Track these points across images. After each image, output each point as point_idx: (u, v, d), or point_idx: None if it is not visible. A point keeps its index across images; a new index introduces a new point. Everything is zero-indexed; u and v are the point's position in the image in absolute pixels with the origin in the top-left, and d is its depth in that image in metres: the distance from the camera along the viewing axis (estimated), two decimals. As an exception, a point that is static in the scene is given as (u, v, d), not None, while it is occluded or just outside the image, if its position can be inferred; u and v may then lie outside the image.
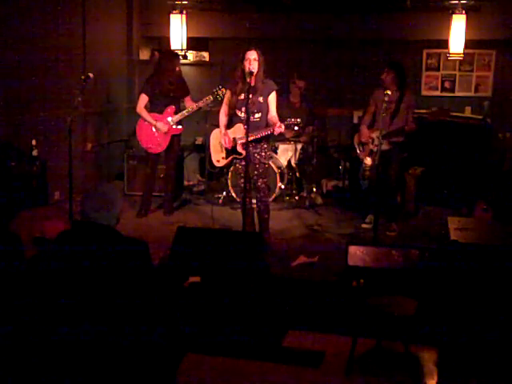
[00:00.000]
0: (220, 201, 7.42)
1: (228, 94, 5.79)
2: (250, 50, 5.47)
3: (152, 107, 6.78)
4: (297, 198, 7.57)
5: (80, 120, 7.41)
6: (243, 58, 5.48)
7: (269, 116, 5.64)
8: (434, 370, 4.03)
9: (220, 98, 6.53)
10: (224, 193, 7.44)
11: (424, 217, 7.06)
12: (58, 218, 4.75)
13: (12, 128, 6.39)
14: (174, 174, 7.05)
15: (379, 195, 5.81)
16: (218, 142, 5.92)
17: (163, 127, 6.67)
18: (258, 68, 5.50)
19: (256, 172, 5.73)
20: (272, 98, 5.66)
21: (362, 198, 6.91)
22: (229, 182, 7.32)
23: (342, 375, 3.92)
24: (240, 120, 5.64)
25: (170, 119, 6.70)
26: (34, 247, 4.09)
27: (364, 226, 6.58)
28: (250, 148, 5.60)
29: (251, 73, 5.46)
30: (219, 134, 5.90)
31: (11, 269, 2.87)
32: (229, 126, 5.80)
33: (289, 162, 7.55)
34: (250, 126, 5.39)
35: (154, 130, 6.71)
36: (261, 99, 5.59)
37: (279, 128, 5.46)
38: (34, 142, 6.24)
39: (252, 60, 5.45)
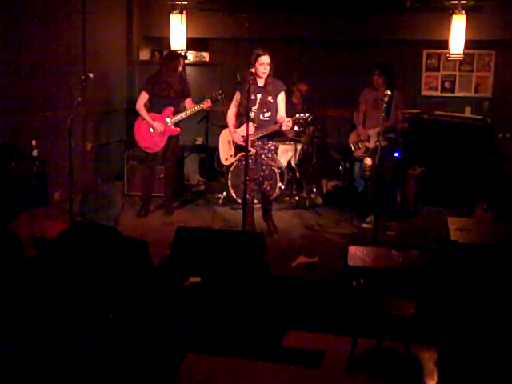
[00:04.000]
0: (220, 201, 7.42)
1: (237, 95, 5.94)
2: (264, 54, 5.71)
3: (151, 106, 6.78)
4: (297, 198, 7.57)
5: (80, 120, 7.41)
6: (255, 61, 5.69)
7: (278, 116, 5.87)
8: (434, 370, 4.03)
9: (219, 102, 6.63)
10: (224, 193, 7.43)
11: (424, 217, 7.05)
12: (57, 218, 4.76)
13: (12, 128, 6.38)
14: (173, 175, 7.05)
15: (378, 194, 5.82)
16: (227, 141, 6.10)
17: (160, 127, 6.67)
18: (269, 70, 5.77)
19: (262, 173, 5.95)
20: (281, 98, 5.91)
21: (361, 198, 6.93)
22: (229, 182, 7.32)
23: (342, 375, 3.91)
24: (250, 119, 5.74)
25: (168, 120, 6.70)
26: (34, 247, 4.09)
27: (364, 225, 6.58)
28: (258, 148, 5.87)
29: (261, 75, 5.73)
30: (228, 134, 6.10)
31: (11, 269, 2.87)
32: (238, 125, 6.00)
33: (289, 162, 7.54)
34: (259, 125, 5.77)
35: (151, 129, 6.72)
36: (270, 99, 5.83)
37: (287, 123, 5.70)
38: (34, 142, 6.24)
39: (266, 64, 5.71)
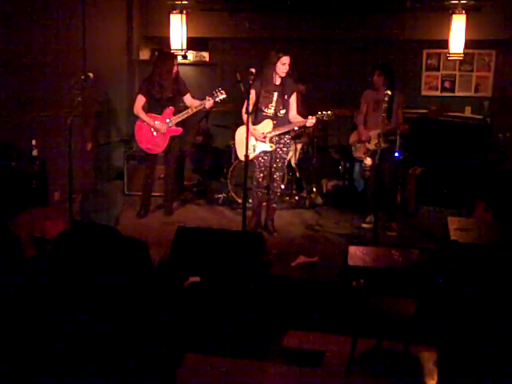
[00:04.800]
0: (220, 201, 7.42)
1: (252, 93, 6.03)
2: (286, 54, 5.95)
3: (150, 108, 6.76)
4: (297, 198, 7.57)
5: (80, 120, 7.41)
6: (277, 61, 5.95)
7: (290, 115, 6.14)
8: (434, 370, 4.03)
9: (220, 100, 6.60)
10: (224, 193, 7.43)
11: (424, 217, 7.05)
12: (57, 217, 4.75)
13: (12, 128, 6.38)
14: (173, 175, 7.04)
15: (378, 194, 5.82)
16: (245, 138, 6.09)
17: (162, 127, 6.66)
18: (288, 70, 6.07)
19: (275, 165, 6.25)
20: (293, 98, 6.17)
21: (361, 198, 6.93)
22: (229, 182, 7.32)
23: (342, 375, 3.92)
24: (267, 116, 6.09)
25: (168, 120, 6.69)
26: (34, 247, 4.09)
27: (364, 225, 6.58)
28: (275, 143, 6.15)
29: (281, 74, 5.98)
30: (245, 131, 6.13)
31: (11, 269, 2.87)
32: (254, 122, 6.14)
33: (289, 162, 7.53)
34: (277, 122, 6.07)
35: (152, 130, 6.70)
36: (286, 97, 6.10)
37: (311, 120, 5.99)
38: (34, 142, 6.23)
39: (287, 64, 5.98)
